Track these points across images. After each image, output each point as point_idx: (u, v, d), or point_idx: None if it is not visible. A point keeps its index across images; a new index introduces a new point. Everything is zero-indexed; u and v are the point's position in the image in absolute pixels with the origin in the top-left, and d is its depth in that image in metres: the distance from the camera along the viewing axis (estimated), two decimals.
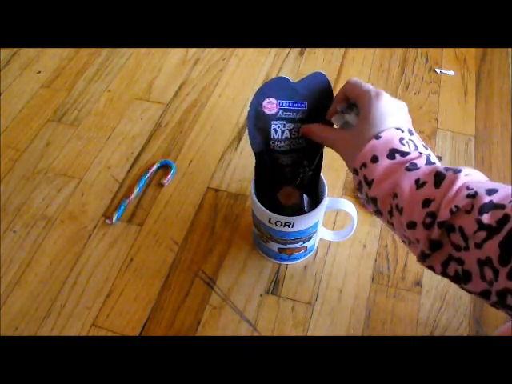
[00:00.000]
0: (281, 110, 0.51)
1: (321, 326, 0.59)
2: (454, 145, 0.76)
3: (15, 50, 0.92)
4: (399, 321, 0.59)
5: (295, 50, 0.91)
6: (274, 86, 0.50)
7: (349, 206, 0.57)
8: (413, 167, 0.40)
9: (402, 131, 0.42)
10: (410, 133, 0.43)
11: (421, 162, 0.40)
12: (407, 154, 0.41)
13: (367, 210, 0.68)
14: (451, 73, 0.87)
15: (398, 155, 0.41)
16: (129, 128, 0.79)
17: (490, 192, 0.35)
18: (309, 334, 0.58)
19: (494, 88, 0.84)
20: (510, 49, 0.91)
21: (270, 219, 0.54)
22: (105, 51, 0.92)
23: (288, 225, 0.54)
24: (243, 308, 0.60)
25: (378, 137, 0.42)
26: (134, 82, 0.86)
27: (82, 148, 0.77)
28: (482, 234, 0.34)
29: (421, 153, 0.41)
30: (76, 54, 0.91)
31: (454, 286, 0.61)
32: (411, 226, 0.38)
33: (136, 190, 0.70)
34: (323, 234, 0.63)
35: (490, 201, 0.34)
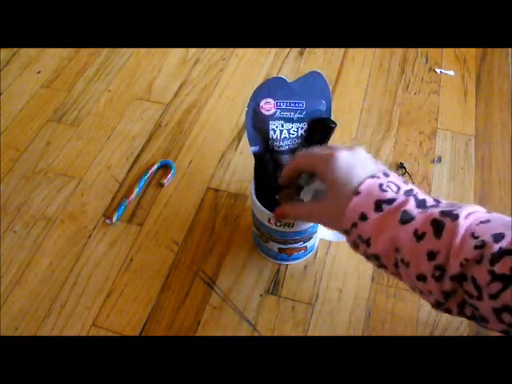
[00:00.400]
0: (278, 110, 0.51)
1: (321, 326, 0.59)
2: (454, 145, 0.76)
3: (15, 49, 0.92)
4: (399, 321, 0.59)
5: (295, 50, 0.91)
6: (271, 87, 0.50)
7: None
8: (406, 217, 0.38)
9: (378, 177, 0.41)
10: (386, 175, 0.42)
11: (411, 207, 0.39)
12: (393, 200, 0.39)
13: None
14: (451, 73, 0.87)
15: (384, 205, 0.39)
16: (129, 128, 0.79)
17: (497, 238, 0.34)
18: (309, 334, 0.58)
19: (494, 88, 0.84)
20: (510, 49, 0.91)
21: (269, 219, 0.54)
22: (105, 51, 0.91)
23: (288, 225, 0.54)
24: (243, 308, 0.60)
25: (356, 193, 0.40)
26: (134, 82, 0.86)
27: (82, 148, 0.77)
28: (498, 286, 0.33)
29: (407, 193, 0.40)
30: (76, 53, 0.91)
31: None
32: (421, 278, 0.37)
33: (136, 190, 0.70)
34: (323, 233, 0.63)
35: (500, 248, 0.33)
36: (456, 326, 0.58)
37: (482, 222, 0.36)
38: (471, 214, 0.37)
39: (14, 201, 0.70)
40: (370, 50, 0.90)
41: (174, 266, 0.64)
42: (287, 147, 0.54)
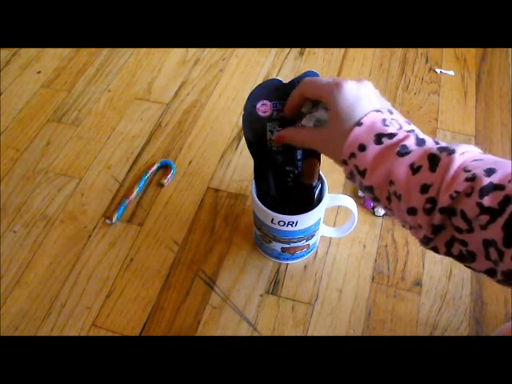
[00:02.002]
0: (275, 112, 0.51)
1: (321, 326, 0.59)
2: None
3: (15, 49, 0.92)
4: (399, 321, 0.59)
5: (295, 50, 0.91)
6: (267, 88, 0.50)
7: (349, 202, 0.57)
8: (404, 151, 0.38)
9: (382, 112, 0.41)
10: (390, 112, 0.42)
11: (410, 143, 0.39)
12: (394, 135, 0.40)
13: (367, 209, 0.68)
14: (451, 73, 0.87)
15: (384, 139, 0.40)
16: (129, 128, 0.79)
17: (489, 172, 0.34)
18: (309, 334, 0.58)
19: (494, 88, 0.84)
20: (510, 49, 0.91)
21: (272, 219, 0.54)
22: (105, 51, 0.92)
23: (291, 224, 0.54)
24: (243, 308, 0.60)
25: (359, 124, 0.40)
26: (134, 82, 0.86)
27: (82, 148, 0.77)
28: (485, 218, 0.33)
29: (408, 131, 0.40)
30: (76, 53, 0.91)
31: (453, 286, 0.61)
32: (411, 212, 0.38)
33: (136, 190, 0.70)
34: (324, 231, 0.63)
35: (490, 182, 0.34)
36: (456, 326, 0.58)
37: (475, 160, 0.36)
38: (467, 152, 0.37)
39: (14, 201, 0.70)
40: (370, 50, 0.90)
41: (174, 266, 0.64)
42: (285, 147, 0.54)
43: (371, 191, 0.41)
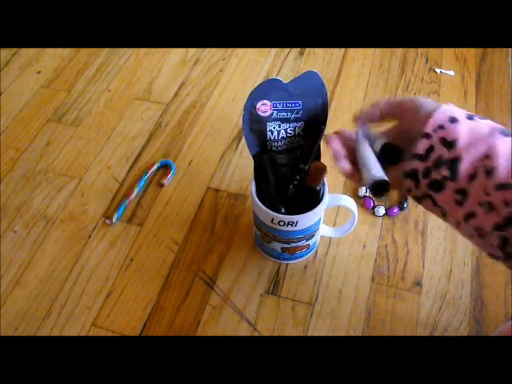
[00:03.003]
0: (275, 112, 0.51)
1: (321, 326, 0.59)
2: None
3: (15, 49, 0.92)
4: (399, 321, 0.59)
5: (295, 50, 0.91)
6: (267, 88, 0.50)
7: (349, 202, 0.57)
8: (508, 133, 0.37)
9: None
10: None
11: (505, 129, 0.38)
12: (484, 119, 0.39)
13: (367, 209, 0.68)
14: (451, 73, 0.87)
15: (476, 118, 0.39)
16: (129, 128, 0.79)
17: (471, 117, 0.35)
18: (309, 334, 0.58)
19: (494, 88, 0.84)
20: (510, 49, 0.91)
21: (272, 219, 0.54)
22: (105, 51, 0.92)
23: (291, 224, 0.54)
24: (243, 308, 0.60)
25: (448, 104, 0.40)
26: (134, 82, 0.86)
27: (82, 148, 0.77)
28: None
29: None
30: (76, 53, 0.91)
31: (453, 286, 0.61)
32: (503, 187, 0.35)
33: (136, 190, 0.70)
34: (324, 231, 0.63)
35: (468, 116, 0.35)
36: (456, 326, 0.58)
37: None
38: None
39: (14, 201, 0.70)
40: (370, 50, 0.90)
41: (174, 266, 0.64)
42: (285, 146, 0.54)
43: (453, 165, 0.38)
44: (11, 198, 0.71)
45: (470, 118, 0.39)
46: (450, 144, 0.38)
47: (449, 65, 0.88)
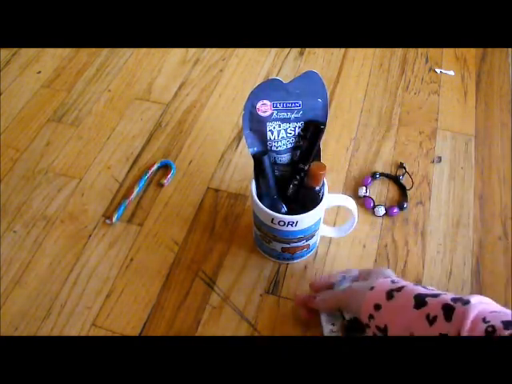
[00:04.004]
0: (275, 111, 0.51)
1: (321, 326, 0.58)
2: (454, 145, 0.76)
3: (15, 49, 0.92)
4: None
5: (295, 50, 0.91)
6: (267, 88, 0.50)
7: (349, 201, 0.57)
8: (419, 303, 0.41)
9: (390, 277, 0.48)
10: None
11: (421, 292, 0.42)
12: (402, 287, 0.44)
13: (367, 209, 0.68)
14: (451, 73, 0.87)
15: (395, 293, 0.44)
16: (129, 128, 0.79)
17: (507, 325, 0.35)
18: (309, 333, 0.58)
19: (494, 88, 0.84)
20: (510, 49, 0.91)
21: (272, 219, 0.54)
22: (105, 51, 0.92)
23: (291, 224, 0.54)
24: (243, 308, 0.60)
25: (371, 288, 0.46)
26: (134, 82, 0.86)
27: (82, 148, 0.77)
28: None
29: (415, 284, 0.45)
30: (76, 53, 0.91)
31: (453, 286, 0.61)
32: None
33: (136, 190, 0.70)
34: (324, 231, 0.63)
35: (510, 334, 0.34)
36: None
37: (492, 312, 0.38)
38: (483, 304, 0.39)
39: (14, 201, 0.70)
40: (370, 50, 0.90)
41: (174, 266, 0.64)
42: (285, 146, 0.54)
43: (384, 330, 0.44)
44: (11, 198, 0.71)
45: (389, 296, 0.44)
46: (383, 330, 0.44)
47: (449, 65, 0.88)
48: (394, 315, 0.43)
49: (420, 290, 0.43)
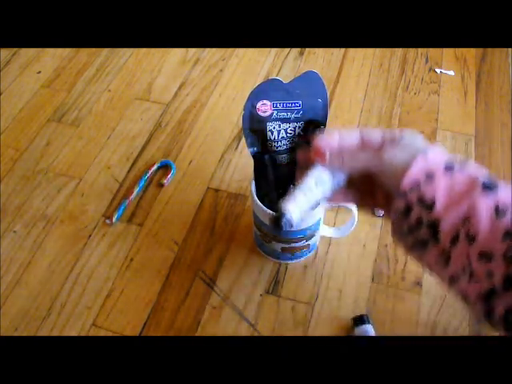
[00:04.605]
0: (275, 111, 0.51)
1: (321, 326, 0.59)
2: (454, 145, 0.76)
3: (15, 49, 0.92)
4: (399, 321, 0.59)
5: (295, 50, 0.91)
6: (267, 88, 0.50)
7: None
8: (490, 185, 0.33)
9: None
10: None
11: (494, 179, 0.34)
12: (465, 164, 0.35)
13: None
14: (451, 73, 0.87)
15: (456, 168, 0.35)
16: (129, 128, 0.79)
17: None
18: (309, 334, 0.58)
19: (494, 88, 0.84)
20: (510, 49, 0.91)
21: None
22: (105, 51, 0.91)
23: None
24: (243, 308, 0.60)
25: (424, 152, 0.36)
26: (134, 82, 0.86)
27: (82, 148, 0.77)
28: None
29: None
30: (76, 53, 0.91)
31: None
32: (485, 256, 0.32)
33: (136, 190, 0.70)
34: (324, 231, 0.63)
35: None
36: (456, 326, 0.58)
37: None
38: None
39: (14, 201, 0.70)
40: (370, 50, 0.90)
41: (174, 266, 0.64)
42: (285, 147, 0.54)
43: (434, 228, 0.35)
44: (11, 197, 0.71)
45: (448, 168, 0.35)
46: (428, 206, 0.35)
47: (449, 65, 0.88)
48: (450, 191, 0.34)
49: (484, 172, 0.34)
